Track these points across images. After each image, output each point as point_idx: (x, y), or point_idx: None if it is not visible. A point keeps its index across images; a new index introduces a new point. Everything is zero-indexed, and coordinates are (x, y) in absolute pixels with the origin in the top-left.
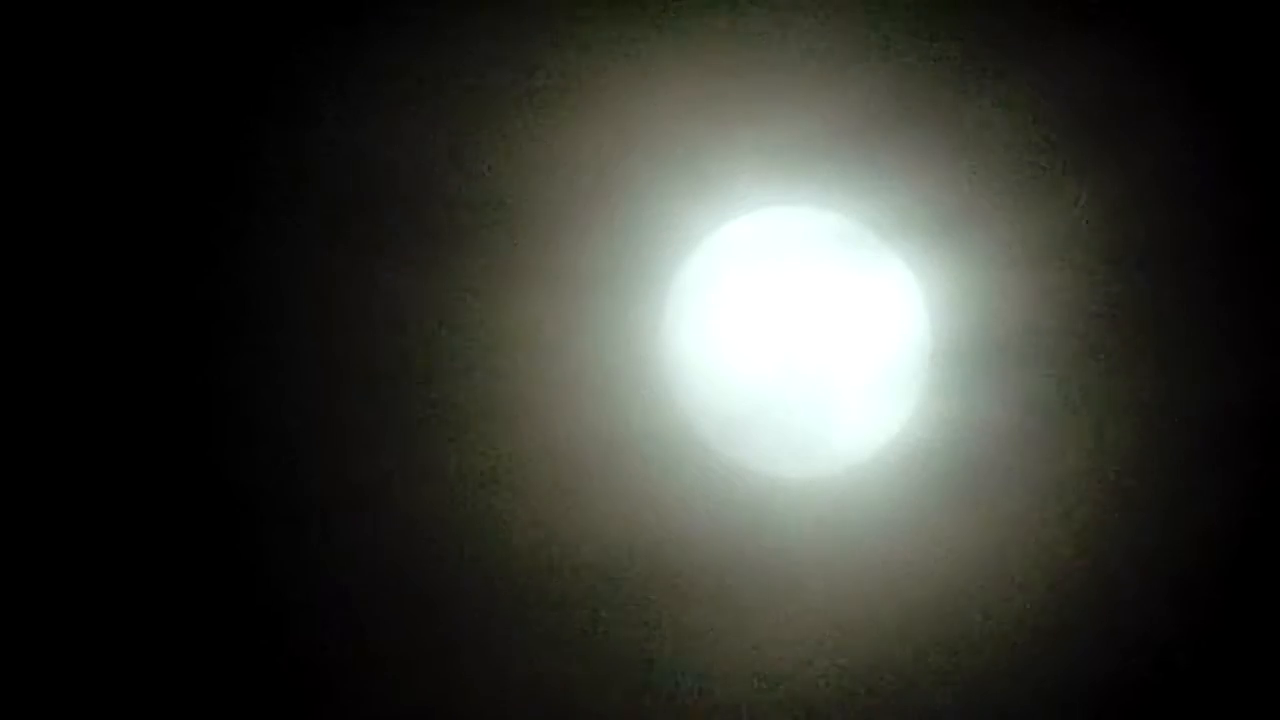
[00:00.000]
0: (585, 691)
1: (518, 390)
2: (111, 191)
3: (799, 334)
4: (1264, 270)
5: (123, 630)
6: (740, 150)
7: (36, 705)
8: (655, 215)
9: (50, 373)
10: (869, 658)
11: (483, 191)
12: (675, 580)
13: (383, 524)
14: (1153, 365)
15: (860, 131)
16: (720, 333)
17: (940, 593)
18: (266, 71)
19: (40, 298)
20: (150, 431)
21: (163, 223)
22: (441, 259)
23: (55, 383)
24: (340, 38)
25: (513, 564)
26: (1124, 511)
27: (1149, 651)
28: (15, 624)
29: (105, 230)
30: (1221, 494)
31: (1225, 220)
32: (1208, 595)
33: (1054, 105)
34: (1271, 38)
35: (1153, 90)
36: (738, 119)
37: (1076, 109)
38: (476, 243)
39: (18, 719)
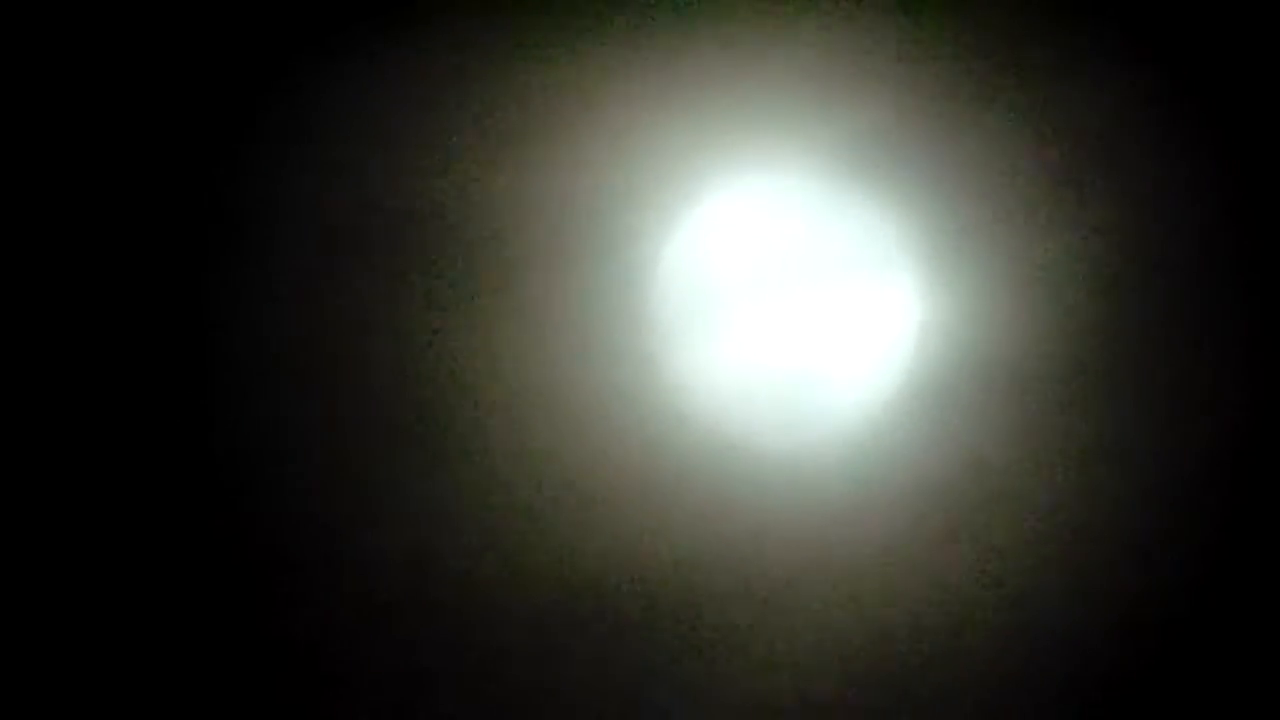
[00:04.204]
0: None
1: (512, 399)
2: (105, 219)
3: (794, 345)
4: (1264, 301)
5: (157, 662)
6: (741, 160)
7: (39, 707)
8: (653, 226)
9: (48, 397)
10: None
11: (480, 218)
12: (688, 594)
13: (391, 555)
14: (1147, 395)
15: (864, 149)
16: (718, 344)
17: (917, 613)
18: (260, 105)
19: (38, 322)
20: (158, 464)
21: (158, 255)
22: (439, 283)
23: (54, 407)
24: (334, 67)
25: (525, 586)
26: (1102, 545)
27: (1122, 689)
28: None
29: (98, 260)
30: (1212, 526)
31: (1228, 249)
32: (1189, 630)
33: (1056, 130)
34: (1277, 66)
35: (1156, 118)
36: (741, 132)
37: (1079, 135)
38: (473, 266)
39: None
